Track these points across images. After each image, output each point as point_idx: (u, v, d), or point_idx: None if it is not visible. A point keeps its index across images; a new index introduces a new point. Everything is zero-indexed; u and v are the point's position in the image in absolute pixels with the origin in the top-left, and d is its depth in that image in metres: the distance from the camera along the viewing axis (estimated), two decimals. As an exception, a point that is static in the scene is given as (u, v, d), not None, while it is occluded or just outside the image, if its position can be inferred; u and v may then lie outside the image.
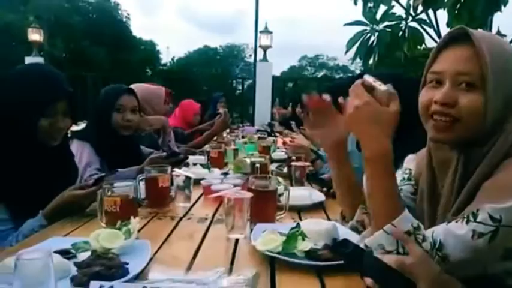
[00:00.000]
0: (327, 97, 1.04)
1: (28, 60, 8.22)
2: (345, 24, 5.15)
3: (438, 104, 0.84)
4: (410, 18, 5.04)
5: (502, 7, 4.26)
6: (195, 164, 2.01)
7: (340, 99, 0.92)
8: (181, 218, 1.31)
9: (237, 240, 1.07)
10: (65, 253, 0.91)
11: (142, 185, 1.41)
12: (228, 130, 3.75)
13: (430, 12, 4.92)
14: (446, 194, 0.89)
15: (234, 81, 11.56)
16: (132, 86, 2.19)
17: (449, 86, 0.83)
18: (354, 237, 0.94)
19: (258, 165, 1.79)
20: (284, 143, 2.88)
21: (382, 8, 4.96)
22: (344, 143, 1.06)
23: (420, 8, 4.85)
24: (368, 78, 0.82)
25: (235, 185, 1.53)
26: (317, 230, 0.98)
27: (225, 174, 1.91)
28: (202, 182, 1.64)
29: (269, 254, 0.92)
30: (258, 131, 4.47)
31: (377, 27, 5.13)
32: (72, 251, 0.93)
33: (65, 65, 17.17)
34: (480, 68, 0.80)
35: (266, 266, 0.90)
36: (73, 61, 19.46)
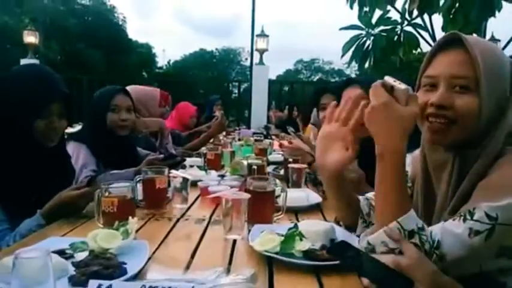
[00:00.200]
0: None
1: (23, 62, 8.19)
2: (341, 29, 5.19)
3: (434, 107, 0.86)
4: (406, 22, 5.10)
5: (496, 12, 4.31)
6: (192, 166, 2.01)
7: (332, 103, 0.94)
8: (178, 219, 1.30)
9: (234, 241, 1.07)
10: (62, 253, 0.90)
11: (139, 186, 1.41)
12: (224, 133, 3.75)
13: (425, 16, 4.98)
14: (441, 194, 0.90)
15: (230, 85, 11.60)
16: (128, 88, 2.20)
17: (444, 89, 0.85)
18: (351, 239, 0.95)
19: (255, 167, 1.79)
20: (281, 145, 2.88)
21: (378, 13, 5.01)
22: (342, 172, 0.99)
23: (415, 13, 4.90)
24: (388, 79, 0.82)
25: (232, 187, 1.53)
26: (315, 230, 0.98)
27: (222, 176, 1.91)
28: (199, 183, 1.64)
29: (267, 254, 0.92)
30: (254, 133, 4.47)
31: (372, 32, 5.18)
32: (70, 251, 0.93)
33: (60, 67, 17.07)
34: (474, 71, 0.82)
35: (264, 266, 0.91)
36: (68, 63, 19.36)
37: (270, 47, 7.95)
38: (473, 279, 0.77)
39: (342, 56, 5.22)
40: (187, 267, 0.90)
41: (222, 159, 2.27)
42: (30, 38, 8.83)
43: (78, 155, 1.80)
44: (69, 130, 2.15)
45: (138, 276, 0.83)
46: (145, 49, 28.70)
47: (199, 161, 2.21)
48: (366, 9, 4.93)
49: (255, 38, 7.90)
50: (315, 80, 32.12)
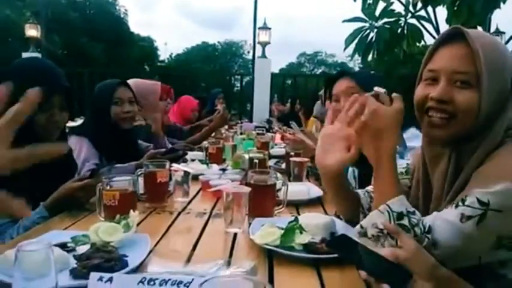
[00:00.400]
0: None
1: (25, 56, 8.18)
2: (344, 21, 5.15)
3: (434, 101, 0.86)
4: (410, 15, 5.05)
5: (501, 4, 4.26)
6: (193, 160, 2.02)
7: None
8: (179, 213, 1.31)
9: (235, 234, 1.08)
10: (64, 246, 0.91)
11: (140, 180, 1.41)
12: (226, 126, 3.75)
13: (429, 9, 4.93)
14: (437, 187, 0.91)
15: (233, 78, 11.53)
16: (129, 81, 2.19)
17: (444, 84, 0.85)
18: (351, 232, 0.95)
19: (256, 160, 1.79)
20: (283, 138, 2.87)
21: (382, 5, 4.96)
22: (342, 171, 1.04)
23: (419, 5, 4.86)
24: (376, 89, 0.91)
25: (233, 180, 1.53)
26: (315, 223, 0.99)
27: (223, 170, 1.91)
28: (200, 177, 1.64)
29: (267, 247, 0.93)
30: (256, 127, 4.47)
31: (376, 24, 5.13)
32: (72, 244, 0.94)
33: (62, 60, 17.06)
34: (475, 66, 0.82)
35: (264, 259, 0.91)
36: (70, 57, 19.38)
37: (272, 40, 7.89)
38: (473, 272, 0.78)
39: (345, 48, 5.18)
40: (188, 260, 0.91)
41: (223, 153, 2.27)
42: (32, 31, 8.80)
43: (81, 148, 1.81)
44: (71, 124, 2.15)
45: (139, 269, 0.84)
46: (147, 42, 28.65)
47: (200, 154, 2.22)
48: (370, 1, 4.89)
49: (257, 31, 7.84)
50: (318, 73, 31.99)
